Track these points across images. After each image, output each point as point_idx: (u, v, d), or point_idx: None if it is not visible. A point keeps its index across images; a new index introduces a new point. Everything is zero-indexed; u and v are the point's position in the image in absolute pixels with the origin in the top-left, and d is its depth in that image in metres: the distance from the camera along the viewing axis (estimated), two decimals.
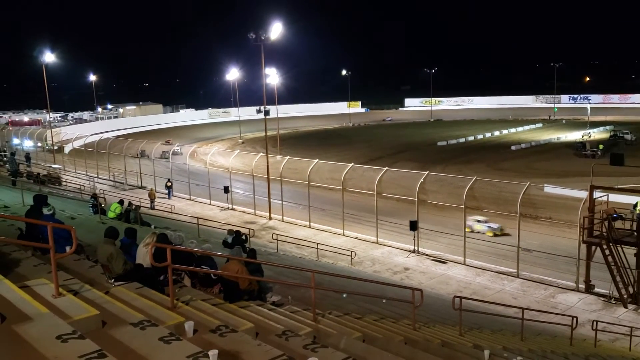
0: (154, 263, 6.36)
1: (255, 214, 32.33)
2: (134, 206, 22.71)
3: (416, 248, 24.57)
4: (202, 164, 47.60)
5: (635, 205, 18.64)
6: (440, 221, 27.95)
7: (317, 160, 30.98)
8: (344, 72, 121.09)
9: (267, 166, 32.37)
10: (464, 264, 22.80)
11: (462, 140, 73.96)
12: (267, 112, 35.76)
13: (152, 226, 19.72)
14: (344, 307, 9.87)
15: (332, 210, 30.98)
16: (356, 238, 26.97)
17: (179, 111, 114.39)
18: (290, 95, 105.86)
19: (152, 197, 33.39)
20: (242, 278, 8.01)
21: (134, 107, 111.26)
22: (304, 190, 30.33)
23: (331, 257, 23.56)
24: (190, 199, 36.46)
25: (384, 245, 25.81)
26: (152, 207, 32.03)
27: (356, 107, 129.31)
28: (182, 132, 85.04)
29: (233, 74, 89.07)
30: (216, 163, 46.61)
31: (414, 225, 24.32)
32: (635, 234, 18.29)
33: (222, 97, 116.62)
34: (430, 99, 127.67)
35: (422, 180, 25.31)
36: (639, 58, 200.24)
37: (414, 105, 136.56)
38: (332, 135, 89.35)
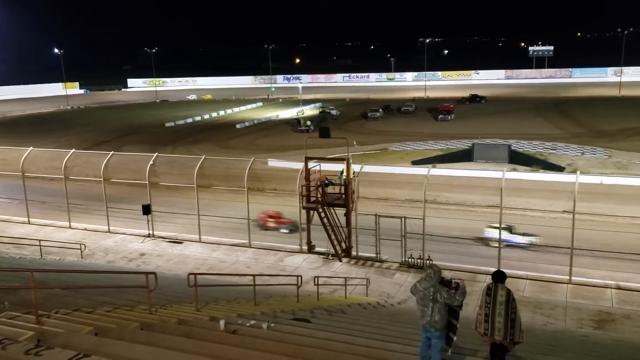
0: None
1: None
2: None
3: (151, 232, 24.19)
4: None
5: (341, 172, 21.38)
6: (174, 202, 27.97)
7: (31, 148, 27.76)
8: (56, 50, 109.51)
9: None
10: (200, 241, 23.34)
11: (190, 120, 74.46)
12: None
13: None
14: (74, 303, 9.32)
15: (55, 202, 28.41)
16: (85, 229, 25.31)
17: None
18: None
19: None
20: None
21: None
22: (19, 183, 27.03)
23: (58, 253, 21.67)
24: None
25: (116, 233, 24.76)
26: None
27: (74, 89, 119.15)
28: None
29: None
30: None
31: (147, 209, 23.86)
32: (343, 196, 21.11)
33: None
34: (154, 79, 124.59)
35: (151, 162, 24.86)
36: (338, 41, 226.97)
37: (137, 85, 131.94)
38: (49, 119, 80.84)
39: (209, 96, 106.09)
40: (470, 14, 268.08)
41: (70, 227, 25.46)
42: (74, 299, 10.05)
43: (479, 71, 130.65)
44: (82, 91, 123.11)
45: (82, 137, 59.01)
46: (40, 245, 21.59)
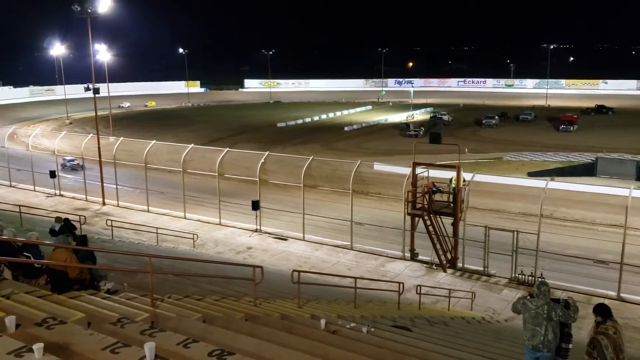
0: None
1: (87, 200, 30.26)
2: None
3: (258, 227, 24.96)
4: (24, 147, 43.31)
5: (450, 180, 20.73)
6: (281, 200, 28.62)
7: (154, 141, 29.78)
8: (180, 50, 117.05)
9: (99, 148, 30.35)
10: (304, 239, 23.72)
11: (300, 121, 76.11)
12: (96, 90, 33.36)
13: None
14: (185, 290, 9.77)
15: (172, 193, 30.17)
16: (198, 220, 26.61)
17: None
18: (123, 72, 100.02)
19: None
20: (71, 267, 7.54)
21: None
22: (141, 173, 29.09)
23: (172, 241, 23.01)
24: (10, 186, 32.91)
25: (226, 226, 25.81)
26: None
27: (195, 87, 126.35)
28: None
29: (58, 49, 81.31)
30: (40, 146, 42.65)
31: (256, 205, 24.68)
32: (452, 205, 20.44)
33: (45, 74, 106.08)
34: (269, 80, 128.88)
35: (262, 160, 25.67)
36: (455, 45, 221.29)
37: (253, 86, 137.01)
38: (170, 115, 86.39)
39: (152, 103, 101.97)
40: (600, 20, 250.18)
41: (185, 218, 26.91)
42: (185, 285, 10.54)
43: (607, 80, 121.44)
44: (202, 90, 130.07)
45: (200, 134, 62.29)
46: (157, 233, 23.03)
